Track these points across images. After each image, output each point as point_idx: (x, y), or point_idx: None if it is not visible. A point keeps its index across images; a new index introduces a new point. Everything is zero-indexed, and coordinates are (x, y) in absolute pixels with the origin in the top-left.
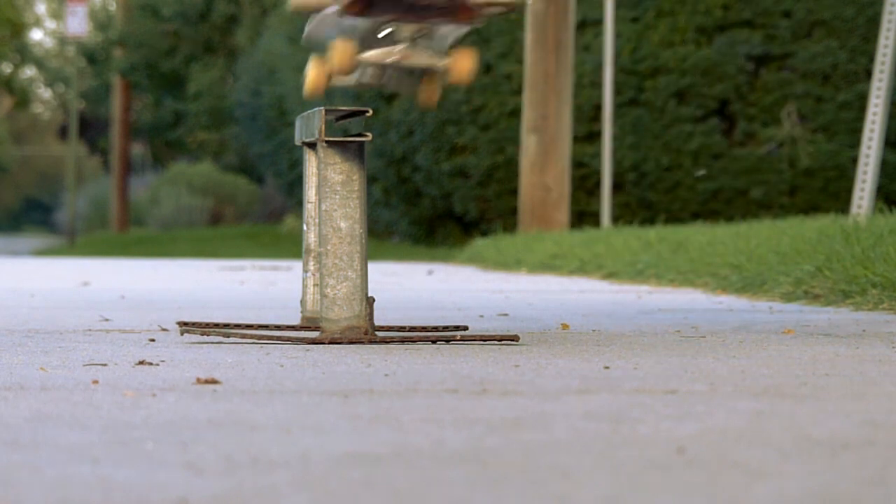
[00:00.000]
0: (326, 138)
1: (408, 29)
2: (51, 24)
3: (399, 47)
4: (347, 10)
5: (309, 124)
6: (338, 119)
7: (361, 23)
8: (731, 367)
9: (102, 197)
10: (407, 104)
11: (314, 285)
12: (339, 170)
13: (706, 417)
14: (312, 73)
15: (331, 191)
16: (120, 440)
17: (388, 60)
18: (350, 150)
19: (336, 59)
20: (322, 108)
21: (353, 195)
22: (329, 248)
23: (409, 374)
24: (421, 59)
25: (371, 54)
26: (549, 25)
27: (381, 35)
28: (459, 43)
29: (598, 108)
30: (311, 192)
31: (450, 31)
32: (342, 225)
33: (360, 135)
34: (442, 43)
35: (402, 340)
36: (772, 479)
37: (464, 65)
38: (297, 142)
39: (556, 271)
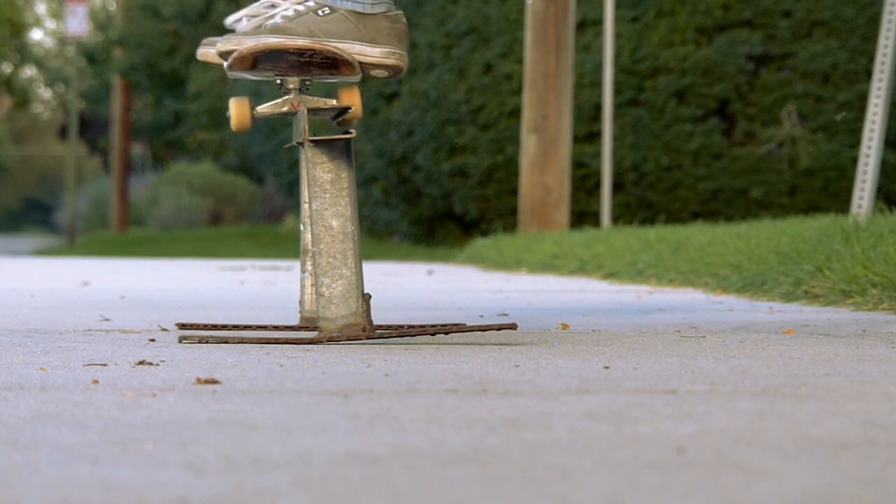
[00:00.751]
0: (311, 138)
1: (293, 81)
2: (51, 24)
3: (290, 97)
4: (231, 69)
5: (297, 126)
6: (334, 118)
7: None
8: (731, 367)
9: (102, 197)
10: (407, 104)
11: (312, 285)
12: (327, 168)
13: (706, 417)
14: (235, 111)
15: (320, 190)
16: (120, 440)
17: (282, 110)
18: (337, 148)
19: (234, 117)
20: (306, 107)
21: (343, 193)
22: (322, 246)
23: (409, 374)
24: (311, 103)
25: (265, 107)
26: (549, 25)
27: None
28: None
29: (598, 108)
30: (306, 192)
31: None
32: (333, 223)
33: (345, 132)
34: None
35: (401, 335)
36: (772, 479)
37: (350, 101)
38: (293, 141)
39: (556, 271)
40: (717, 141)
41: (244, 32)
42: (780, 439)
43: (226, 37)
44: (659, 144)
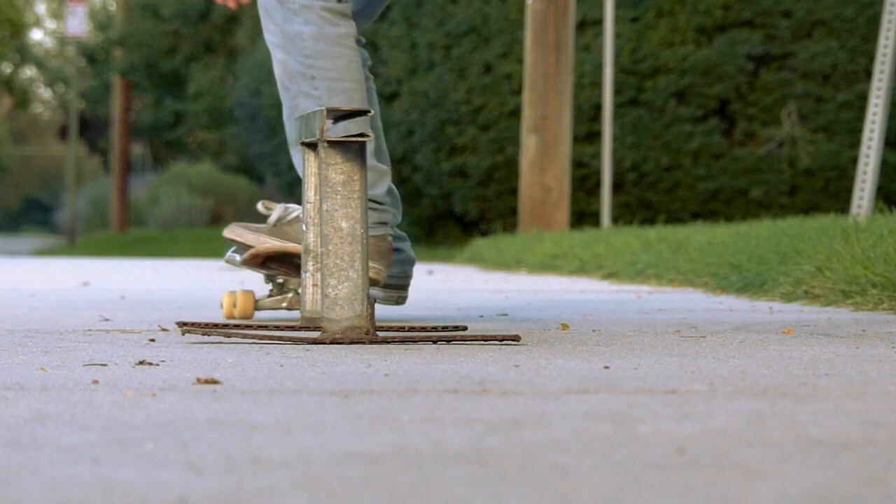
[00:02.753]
0: (328, 138)
1: (294, 282)
2: (51, 24)
3: (289, 295)
4: (246, 266)
5: (309, 124)
6: (338, 119)
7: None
8: (731, 367)
9: (102, 197)
10: (407, 104)
11: (314, 285)
12: (340, 170)
13: (706, 417)
14: (226, 303)
15: (332, 191)
16: (120, 440)
17: (281, 306)
18: (351, 150)
19: (239, 306)
20: (324, 107)
21: (355, 195)
22: (330, 248)
23: (409, 374)
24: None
25: (267, 301)
26: (549, 25)
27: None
28: None
29: (598, 108)
30: (310, 193)
31: None
32: (343, 225)
33: (361, 135)
34: None
35: (403, 340)
36: (772, 479)
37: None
38: (296, 142)
39: (556, 271)
40: (717, 141)
41: (259, 229)
42: (780, 439)
43: (241, 225)
44: (659, 144)
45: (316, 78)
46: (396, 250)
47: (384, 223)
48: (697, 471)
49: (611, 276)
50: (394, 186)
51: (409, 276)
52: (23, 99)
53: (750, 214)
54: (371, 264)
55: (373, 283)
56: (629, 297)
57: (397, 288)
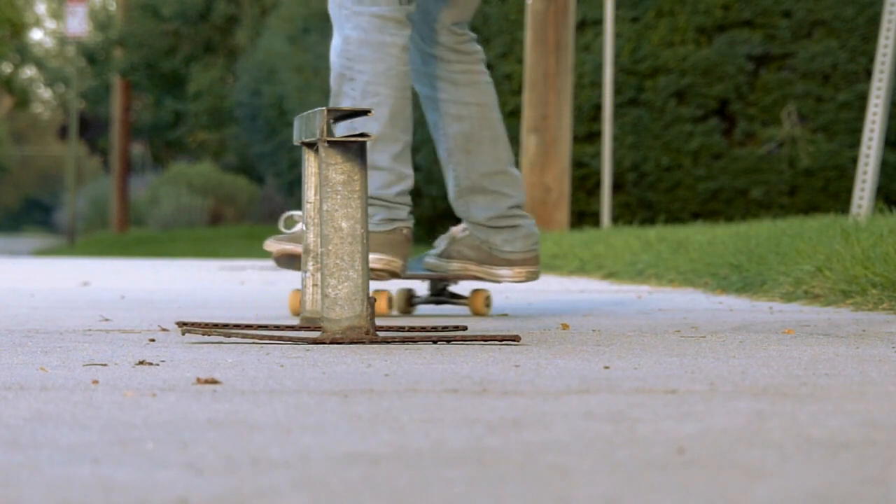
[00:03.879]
0: (328, 138)
1: None
2: (51, 24)
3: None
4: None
5: (309, 124)
6: (338, 119)
7: None
8: (731, 367)
9: (102, 197)
10: None
11: (313, 285)
12: (340, 170)
13: (706, 417)
14: (292, 300)
15: (332, 191)
16: (120, 440)
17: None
18: (352, 150)
19: (290, 304)
20: (324, 107)
21: (355, 195)
22: (330, 248)
23: (409, 374)
24: None
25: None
26: (549, 25)
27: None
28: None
29: (598, 108)
30: (310, 193)
31: None
32: (343, 225)
33: (361, 135)
34: None
35: (403, 340)
36: (772, 479)
37: (380, 305)
38: (296, 141)
39: (556, 271)
40: (717, 141)
41: (288, 238)
42: (780, 439)
43: (273, 238)
44: (659, 144)
45: (354, 80)
46: (514, 227)
47: (394, 220)
48: (697, 471)
49: (611, 276)
50: (515, 169)
51: (531, 251)
52: (23, 99)
53: (750, 214)
54: (380, 256)
55: (392, 275)
56: (629, 297)
57: (521, 264)
